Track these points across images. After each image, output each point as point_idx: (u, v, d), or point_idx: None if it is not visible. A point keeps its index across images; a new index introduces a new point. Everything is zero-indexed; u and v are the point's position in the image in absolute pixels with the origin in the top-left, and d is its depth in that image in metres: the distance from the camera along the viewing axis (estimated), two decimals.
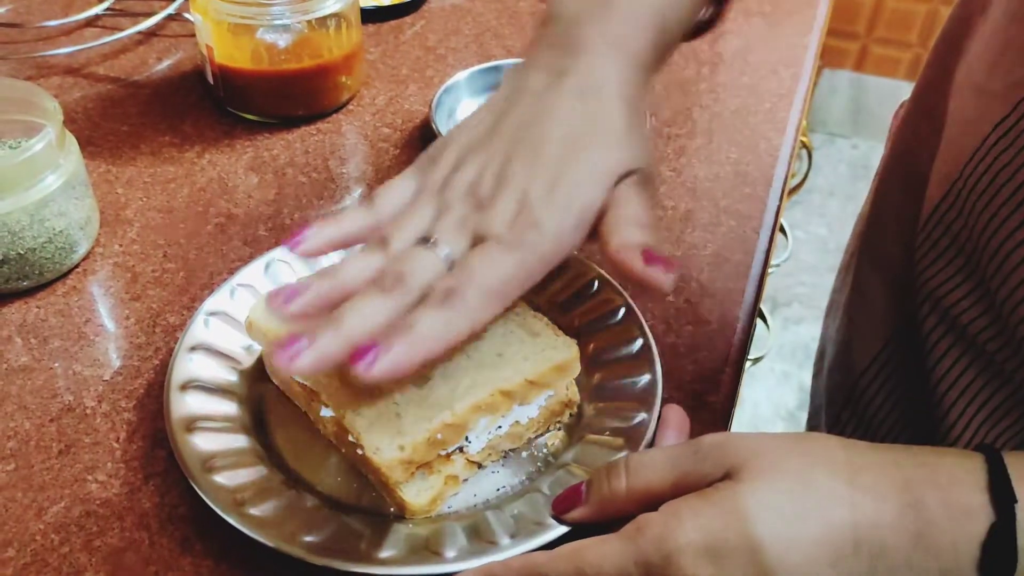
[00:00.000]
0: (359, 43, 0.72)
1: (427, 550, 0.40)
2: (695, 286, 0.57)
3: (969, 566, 0.33)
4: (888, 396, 0.57)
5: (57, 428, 0.48)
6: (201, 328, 0.50)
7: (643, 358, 0.48)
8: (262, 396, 0.49)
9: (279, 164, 0.67)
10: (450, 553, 0.40)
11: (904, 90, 0.88)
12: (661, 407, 0.46)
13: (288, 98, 0.70)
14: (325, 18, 0.68)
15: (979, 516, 0.33)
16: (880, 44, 2.19)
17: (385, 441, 0.41)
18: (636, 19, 0.45)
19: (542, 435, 0.47)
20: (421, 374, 0.43)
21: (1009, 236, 0.44)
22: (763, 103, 0.74)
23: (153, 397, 0.50)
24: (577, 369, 0.46)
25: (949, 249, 0.50)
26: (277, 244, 0.57)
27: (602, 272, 0.53)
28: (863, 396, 0.59)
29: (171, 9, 0.79)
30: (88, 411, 0.49)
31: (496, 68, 0.74)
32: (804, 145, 1.53)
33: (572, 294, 0.53)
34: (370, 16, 0.83)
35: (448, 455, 0.44)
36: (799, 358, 1.80)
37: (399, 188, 0.44)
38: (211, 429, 0.45)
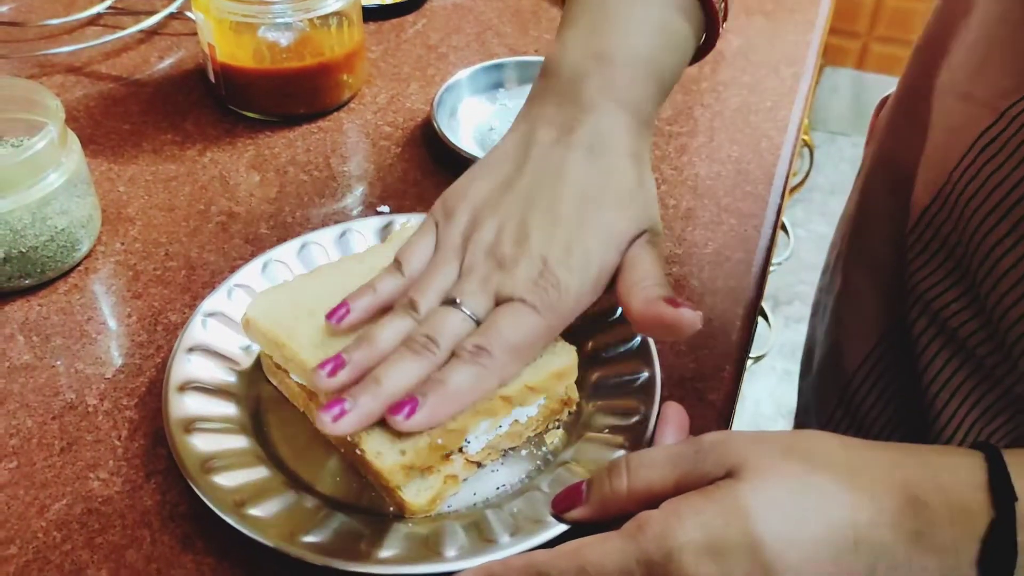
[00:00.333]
0: (361, 41, 0.72)
1: (427, 549, 0.40)
2: (696, 284, 0.57)
3: (969, 564, 0.33)
4: (880, 395, 0.57)
5: (59, 426, 0.49)
6: (199, 329, 0.50)
7: (641, 355, 0.49)
8: (260, 397, 0.49)
9: (281, 162, 0.67)
10: (450, 552, 0.40)
11: None
12: (660, 404, 0.46)
13: (290, 96, 0.70)
14: (327, 16, 0.68)
15: (979, 514, 0.34)
16: (881, 42, 2.19)
17: (387, 445, 0.41)
18: (635, 72, 0.47)
19: (541, 433, 0.47)
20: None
21: (998, 242, 0.44)
22: (764, 101, 0.74)
23: (155, 395, 0.50)
24: (575, 375, 0.46)
25: (939, 253, 0.50)
26: (279, 242, 0.57)
27: None
28: (855, 395, 0.59)
29: (173, 7, 0.80)
30: (90, 409, 0.49)
31: (498, 66, 0.74)
32: (805, 143, 1.53)
33: None
34: (372, 14, 0.83)
35: (448, 455, 0.44)
36: (800, 356, 1.80)
37: (420, 248, 0.46)
38: (210, 430, 0.45)
